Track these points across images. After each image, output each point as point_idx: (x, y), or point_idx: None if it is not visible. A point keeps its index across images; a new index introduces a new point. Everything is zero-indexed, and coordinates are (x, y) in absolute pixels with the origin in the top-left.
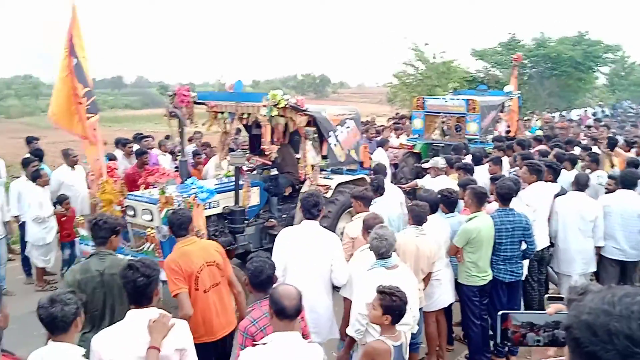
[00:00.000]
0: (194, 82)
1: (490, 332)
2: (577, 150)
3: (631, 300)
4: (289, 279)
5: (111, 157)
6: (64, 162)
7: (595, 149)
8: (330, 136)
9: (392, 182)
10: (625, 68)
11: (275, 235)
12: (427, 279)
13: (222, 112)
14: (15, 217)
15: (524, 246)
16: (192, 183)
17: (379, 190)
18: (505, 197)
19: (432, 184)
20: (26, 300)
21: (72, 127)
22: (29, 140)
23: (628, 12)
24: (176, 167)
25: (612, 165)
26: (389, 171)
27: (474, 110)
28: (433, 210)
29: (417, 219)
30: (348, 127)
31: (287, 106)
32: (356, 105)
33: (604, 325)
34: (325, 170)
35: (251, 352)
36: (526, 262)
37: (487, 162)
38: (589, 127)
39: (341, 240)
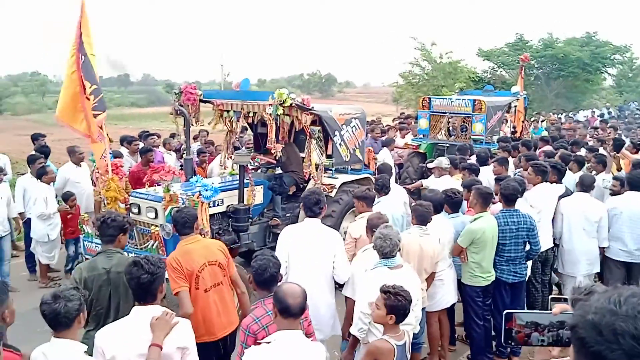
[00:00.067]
0: (200, 80)
1: (493, 333)
2: (582, 152)
3: (637, 300)
4: (291, 277)
5: (117, 155)
6: (69, 160)
7: (601, 150)
8: (335, 135)
9: (396, 182)
10: (633, 69)
11: (279, 234)
12: (430, 279)
13: (228, 111)
14: (20, 213)
15: (527, 247)
16: (196, 181)
17: (383, 189)
18: (509, 197)
19: (436, 184)
20: (30, 296)
21: (76, 124)
22: (35, 138)
23: (638, 13)
24: (181, 166)
25: (619, 169)
26: (393, 171)
27: (480, 111)
28: (437, 210)
29: (421, 218)
30: (353, 127)
31: (293, 105)
32: (362, 104)
33: (609, 325)
34: (329, 170)
35: (255, 351)
36: (530, 263)
37: (493, 162)
38: (595, 128)
39: (344, 240)
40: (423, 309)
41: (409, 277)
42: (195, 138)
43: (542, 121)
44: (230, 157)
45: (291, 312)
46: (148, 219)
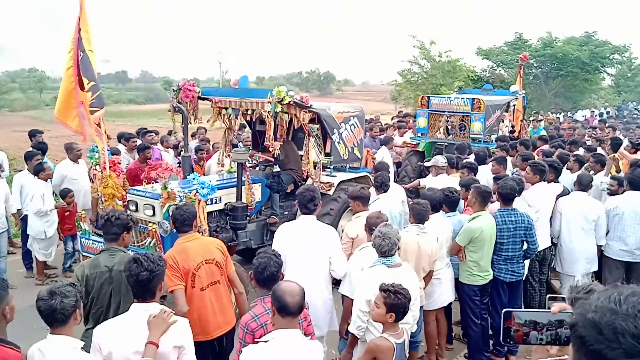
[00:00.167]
0: (199, 77)
1: (490, 332)
2: (581, 151)
3: (637, 299)
4: (288, 274)
5: (114, 152)
6: (67, 156)
7: (599, 150)
8: (334, 133)
9: (395, 180)
10: (632, 69)
11: None
12: (427, 278)
13: (226, 108)
14: (18, 210)
15: (525, 246)
16: (193, 179)
17: (382, 186)
18: (506, 197)
19: (433, 183)
20: (27, 293)
21: (69, 121)
22: (33, 134)
23: (637, 13)
24: (179, 163)
25: (618, 171)
26: (392, 169)
27: (479, 110)
28: (436, 209)
29: (418, 217)
30: (352, 125)
31: (291, 103)
32: (360, 103)
33: (609, 324)
34: (328, 168)
35: (253, 350)
36: (527, 262)
37: (491, 161)
38: (594, 128)
39: (340, 239)
40: (421, 307)
41: (408, 275)
42: (193, 135)
43: (539, 120)
44: (229, 155)
45: (289, 310)
46: (145, 217)
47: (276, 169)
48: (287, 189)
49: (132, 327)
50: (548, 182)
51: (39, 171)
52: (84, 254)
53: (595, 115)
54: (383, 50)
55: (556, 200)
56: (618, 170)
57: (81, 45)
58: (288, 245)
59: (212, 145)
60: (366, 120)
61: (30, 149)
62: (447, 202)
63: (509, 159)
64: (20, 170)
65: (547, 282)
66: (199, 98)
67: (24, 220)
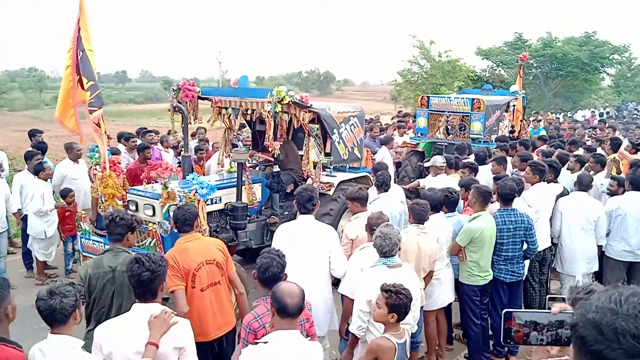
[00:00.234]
0: (199, 77)
1: (490, 332)
2: (580, 151)
3: (638, 299)
4: (288, 274)
5: (114, 152)
6: (67, 156)
7: (599, 150)
8: (334, 133)
9: (395, 181)
10: (632, 69)
11: None
12: (428, 278)
13: (226, 108)
14: (18, 210)
15: (525, 246)
16: (192, 179)
17: (383, 185)
18: (506, 197)
19: (433, 183)
20: (27, 293)
21: (66, 120)
22: (32, 134)
23: (637, 13)
24: (179, 163)
25: (619, 173)
26: (392, 170)
27: (479, 110)
28: (437, 209)
29: (418, 217)
30: (352, 125)
31: (291, 103)
32: (360, 102)
33: (610, 324)
34: (327, 168)
35: (252, 351)
36: (527, 263)
37: (491, 161)
38: (594, 128)
39: (340, 240)
40: (421, 308)
41: (409, 276)
42: (193, 135)
43: (539, 121)
44: (229, 155)
45: (289, 311)
46: (145, 216)
47: (276, 169)
48: (286, 189)
49: (133, 327)
50: (548, 183)
51: (39, 171)
52: (84, 254)
53: (596, 116)
54: (383, 50)
55: (556, 200)
56: (619, 172)
57: (81, 45)
58: (287, 246)
59: (211, 145)
60: (366, 120)
61: (30, 148)
62: (446, 202)
63: (508, 159)
64: (19, 170)
65: (548, 283)
66: (199, 98)
67: (24, 220)
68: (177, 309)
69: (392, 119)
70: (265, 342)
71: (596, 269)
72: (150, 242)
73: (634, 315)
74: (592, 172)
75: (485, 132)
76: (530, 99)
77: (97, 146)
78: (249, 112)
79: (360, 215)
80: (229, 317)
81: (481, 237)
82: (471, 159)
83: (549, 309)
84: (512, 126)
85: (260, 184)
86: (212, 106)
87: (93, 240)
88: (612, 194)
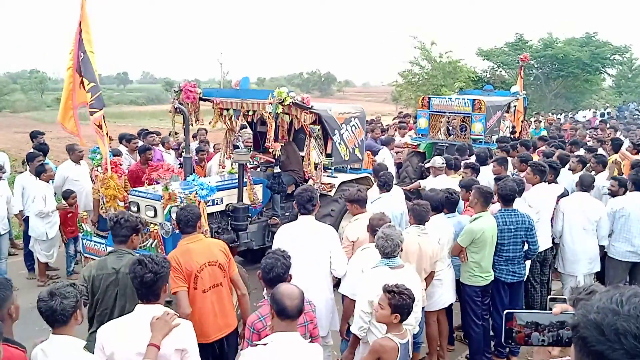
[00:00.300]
0: (200, 78)
1: (491, 333)
2: (581, 152)
3: (639, 300)
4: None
5: (116, 153)
6: (68, 158)
7: (600, 150)
8: (335, 134)
9: (396, 181)
10: (633, 70)
11: None
12: (429, 279)
13: (228, 109)
14: (20, 211)
15: (526, 247)
16: (193, 180)
17: (385, 185)
18: (506, 198)
19: (433, 184)
20: (29, 295)
21: (65, 122)
22: (34, 135)
23: (638, 13)
24: (180, 164)
25: (621, 174)
26: (393, 170)
27: (480, 111)
28: (438, 209)
29: (419, 218)
30: (353, 126)
31: (292, 104)
32: (361, 103)
33: (611, 325)
34: (329, 169)
35: (251, 353)
36: (528, 263)
37: (492, 162)
38: (595, 128)
39: (341, 242)
40: (422, 308)
41: (411, 277)
42: (194, 137)
43: (539, 121)
44: (230, 156)
45: (288, 313)
46: (147, 218)
47: (277, 170)
48: (287, 190)
49: (136, 328)
50: (549, 183)
51: (40, 172)
52: (85, 255)
53: (597, 116)
54: (384, 51)
55: (558, 200)
56: (620, 174)
57: (82, 47)
58: (288, 246)
59: (213, 147)
60: (367, 121)
61: (32, 150)
62: (446, 203)
63: (509, 159)
64: (20, 172)
65: (548, 283)
66: (200, 99)
67: (25, 221)
68: (179, 310)
69: (393, 119)
70: (265, 344)
71: (598, 269)
72: (151, 244)
73: (635, 316)
74: (593, 173)
75: (486, 132)
76: (531, 100)
77: (98, 147)
78: (250, 113)
79: (360, 217)
80: (230, 318)
81: (483, 238)
82: (472, 159)
83: (550, 309)
84: (513, 127)
85: (261, 185)
86: (213, 107)
87: (94, 242)
88: (612, 194)
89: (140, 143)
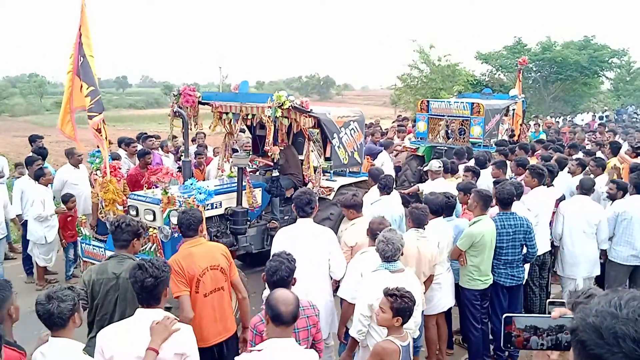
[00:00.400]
0: (199, 82)
1: (490, 337)
2: (580, 155)
3: (638, 303)
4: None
5: (115, 157)
6: (67, 161)
7: (599, 154)
8: (334, 138)
9: (395, 185)
10: (631, 73)
11: None
12: (428, 282)
13: (227, 113)
14: (18, 215)
15: (525, 250)
16: (191, 184)
17: (385, 188)
18: (504, 201)
19: (432, 187)
20: (27, 299)
21: (63, 126)
22: (33, 139)
23: (636, 16)
24: (179, 168)
25: (620, 178)
26: (392, 174)
27: (479, 114)
28: (437, 213)
29: (417, 221)
30: (352, 129)
31: (291, 107)
32: (360, 107)
33: (610, 328)
34: (328, 172)
35: (246, 358)
36: (527, 267)
37: (491, 165)
38: (593, 132)
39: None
40: (421, 312)
41: (411, 280)
42: (192, 140)
43: (538, 125)
44: (229, 160)
45: (283, 319)
46: (146, 222)
47: (276, 173)
48: (286, 193)
49: (136, 332)
50: (547, 187)
51: (39, 176)
52: (84, 259)
53: (596, 119)
54: (382, 55)
55: (557, 204)
56: (619, 177)
57: (82, 51)
58: (287, 249)
59: (212, 151)
60: (366, 124)
61: (31, 154)
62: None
63: (508, 163)
64: (18, 177)
65: (547, 287)
66: (199, 103)
67: (24, 225)
68: (182, 314)
69: (392, 123)
70: (260, 350)
71: (597, 272)
72: (150, 247)
73: (634, 319)
74: (592, 176)
75: (485, 136)
76: (529, 103)
77: (97, 151)
78: (250, 117)
79: (356, 221)
80: (229, 323)
81: (482, 241)
82: (472, 163)
83: (549, 313)
84: (512, 130)
85: (260, 188)
86: (212, 111)
87: (93, 246)
88: (611, 197)
89: (140, 147)
